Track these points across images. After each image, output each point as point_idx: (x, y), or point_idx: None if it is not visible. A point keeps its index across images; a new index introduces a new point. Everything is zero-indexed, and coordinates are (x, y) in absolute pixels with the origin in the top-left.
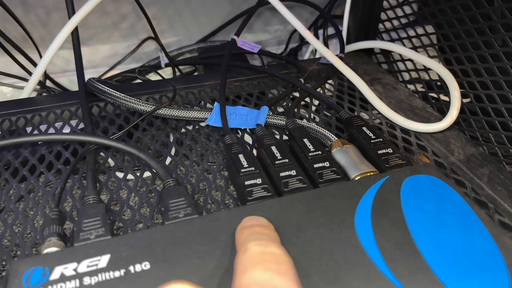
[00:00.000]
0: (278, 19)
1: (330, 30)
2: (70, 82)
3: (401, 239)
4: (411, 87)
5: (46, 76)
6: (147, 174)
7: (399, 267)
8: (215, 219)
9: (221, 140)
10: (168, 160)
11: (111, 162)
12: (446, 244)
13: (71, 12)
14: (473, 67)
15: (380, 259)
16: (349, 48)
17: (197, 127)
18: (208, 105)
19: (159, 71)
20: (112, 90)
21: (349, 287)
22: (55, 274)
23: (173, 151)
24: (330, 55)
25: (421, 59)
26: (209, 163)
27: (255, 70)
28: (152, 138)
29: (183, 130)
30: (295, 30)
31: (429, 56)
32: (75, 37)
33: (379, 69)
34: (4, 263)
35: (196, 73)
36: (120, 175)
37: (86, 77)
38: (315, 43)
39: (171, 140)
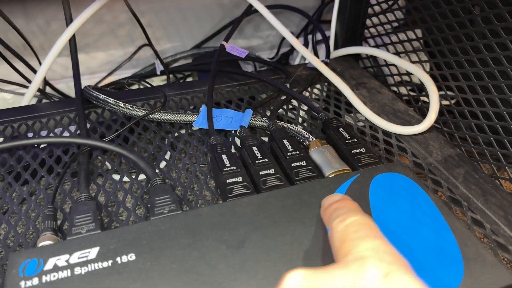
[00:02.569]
0: (269, 24)
1: (320, 36)
2: (69, 88)
3: None
4: (397, 90)
5: (45, 82)
6: (142, 177)
7: None
8: (197, 214)
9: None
10: (163, 163)
11: (108, 166)
12: (408, 236)
13: (69, 20)
14: (451, 72)
15: None
16: (336, 53)
17: (189, 131)
18: None
19: (154, 78)
20: (106, 97)
21: None
22: (49, 264)
23: (167, 155)
24: (315, 61)
25: (404, 64)
26: (201, 165)
27: (245, 75)
28: (148, 142)
29: (176, 134)
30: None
31: (411, 62)
32: (72, 45)
33: (365, 73)
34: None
35: (190, 79)
36: (116, 177)
37: (84, 83)
38: (301, 50)
39: (165, 143)
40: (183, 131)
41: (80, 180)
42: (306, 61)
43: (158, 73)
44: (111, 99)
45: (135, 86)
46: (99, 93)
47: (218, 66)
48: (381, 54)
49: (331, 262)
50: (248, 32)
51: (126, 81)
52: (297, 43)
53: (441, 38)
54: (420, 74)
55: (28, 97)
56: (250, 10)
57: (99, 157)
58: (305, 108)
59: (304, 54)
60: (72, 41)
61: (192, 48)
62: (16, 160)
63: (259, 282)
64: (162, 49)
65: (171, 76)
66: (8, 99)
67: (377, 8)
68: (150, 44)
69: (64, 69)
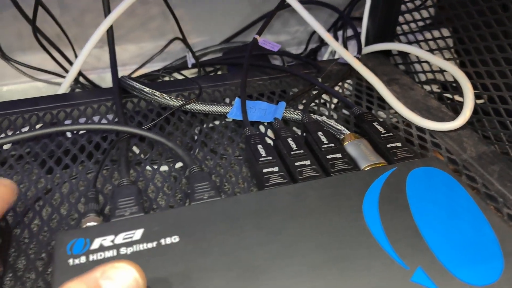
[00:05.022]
0: (298, 20)
1: (349, 32)
2: (100, 79)
3: (405, 224)
4: (427, 88)
5: (79, 72)
6: (178, 164)
7: (403, 248)
8: (235, 201)
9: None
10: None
11: (145, 153)
12: (447, 230)
13: (107, 11)
14: (486, 69)
15: (385, 240)
16: (368, 49)
17: (223, 122)
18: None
19: (184, 71)
20: (144, 87)
21: (355, 265)
22: (95, 244)
23: (202, 144)
24: (348, 56)
25: (437, 61)
26: (235, 156)
27: (276, 69)
28: (183, 132)
29: (210, 124)
30: (314, 31)
31: (444, 59)
32: (110, 36)
33: (397, 70)
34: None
35: (219, 73)
36: (155, 166)
37: (65, 85)
38: (334, 44)
39: (200, 133)
40: (217, 122)
41: (121, 165)
42: (336, 57)
43: (190, 66)
44: (148, 88)
45: (166, 79)
46: (136, 83)
47: (245, 60)
48: (415, 51)
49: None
50: (277, 28)
51: (161, 73)
52: (330, 39)
53: (476, 35)
54: (455, 71)
55: (65, 86)
56: (283, 5)
57: (136, 145)
58: (335, 102)
59: (337, 49)
60: (110, 31)
61: (220, 42)
62: (56, 145)
63: (296, 269)
64: (191, 43)
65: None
66: (41, 87)
67: (408, 6)
68: (183, 37)
69: (95, 60)
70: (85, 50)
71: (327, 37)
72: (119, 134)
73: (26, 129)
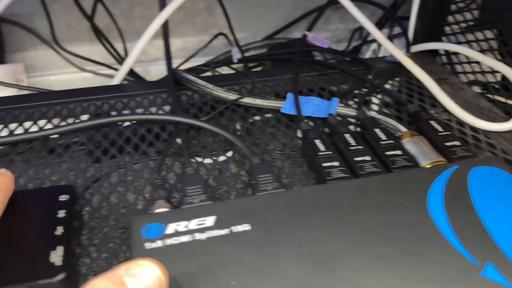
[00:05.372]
0: (339, 18)
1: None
2: (145, 72)
3: (471, 221)
4: (476, 88)
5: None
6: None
7: (471, 244)
8: (300, 193)
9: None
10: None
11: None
12: None
13: (163, 4)
14: None
15: (453, 236)
16: (415, 48)
17: (276, 116)
18: None
19: (223, 67)
20: (198, 79)
21: (425, 258)
22: (170, 229)
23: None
24: (398, 53)
25: (489, 61)
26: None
27: (325, 66)
28: (240, 126)
29: (261, 118)
30: (357, 29)
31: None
32: (165, 29)
33: (445, 69)
34: (122, 225)
35: (259, 68)
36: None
37: (160, 68)
38: (384, 42)
39: (254, 126)
40: (268, 115)
41: (184, 155)
42: (380, 55)
43: (235, 61)
44: (204, 82)
45: (208, 73)
46: (190, 76)
47: (295, 56)
48: (466, 51)
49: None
50: (318, 25)
51: (211, 67)
52: (380, 36)
53: None
54: (508, 72)
55: (119, 77)
56: (334, 1)
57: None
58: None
59: (388, 46)
60: (165, 25)
61: (262, 39)
62: (117, 134)
63: (368, 260)
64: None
65: (241, 66)
66: (88, 78)
67: (455, 5)
68: (231, 32)
69: (141, 53)
70: (141, 42)
71: (377, 34)
72: (177, 125)
73: (85, 117)
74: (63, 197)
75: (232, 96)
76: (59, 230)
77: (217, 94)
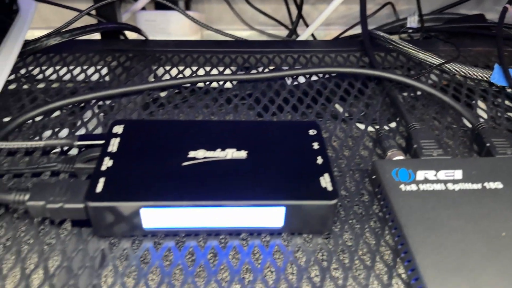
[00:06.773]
0: None
1: None
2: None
3: None
4: None
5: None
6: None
7: None
8: None
9: None
10: None
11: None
12: None
13: None
14: None
15: None
16: None
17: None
18: None
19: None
20: (397, 39)
21: None
22: (419, 176)
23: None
24: None
25: None
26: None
27: None
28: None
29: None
30: None
31: None
32: None
33: None
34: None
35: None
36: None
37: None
38: None
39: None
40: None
41: (402, 111)
42: None
43: (411, 29)
44: (405, 42)
45: None
46: (387, 36)
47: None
48: None
49: None
50: (487, 5)
51: (400, 32)
52: None
53: None
54: None
55: (306, 35)
56: None
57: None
58: None
59: None
60: None
61: (430, 12)
62: (295, 86)
63: None
64: (398, 9)
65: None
66: (254, 37)
67: None
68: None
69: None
70: (333, 4)
71: None
72: (383, 82)
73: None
74: (311, 131)
75: (434, 59)
76: (319, 160)
77: (420, 56)
